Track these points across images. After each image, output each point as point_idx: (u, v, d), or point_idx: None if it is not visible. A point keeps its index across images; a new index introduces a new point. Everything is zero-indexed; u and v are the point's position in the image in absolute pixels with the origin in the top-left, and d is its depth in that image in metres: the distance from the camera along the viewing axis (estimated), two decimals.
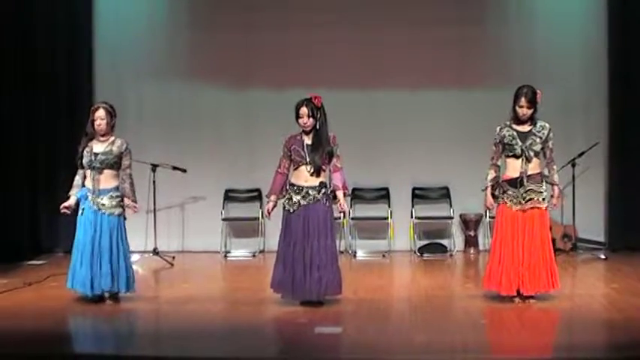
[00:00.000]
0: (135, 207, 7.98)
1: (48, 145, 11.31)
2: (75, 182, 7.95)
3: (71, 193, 7.93)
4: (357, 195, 11.33)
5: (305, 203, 7.56)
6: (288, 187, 7.67)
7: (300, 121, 7.60)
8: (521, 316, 7.35)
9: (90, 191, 7.79)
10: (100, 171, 7.79)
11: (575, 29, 11.47)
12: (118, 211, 7.85)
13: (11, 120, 10.83)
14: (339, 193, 7.69)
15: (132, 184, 7.96)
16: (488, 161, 7.79)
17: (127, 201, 7.90)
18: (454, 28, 11.37)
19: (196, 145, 11.51)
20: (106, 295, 7.86)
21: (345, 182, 7.72)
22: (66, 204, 7.91)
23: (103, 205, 7.78)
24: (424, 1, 11.38)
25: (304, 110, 7.56)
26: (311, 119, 7.57)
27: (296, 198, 7.58)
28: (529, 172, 7.60)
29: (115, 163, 7.86)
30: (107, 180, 7.83)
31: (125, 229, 7.97)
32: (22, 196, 11.06)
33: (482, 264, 10.19)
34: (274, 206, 7.73)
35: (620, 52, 11.18)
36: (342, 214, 8.19)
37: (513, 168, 7.66)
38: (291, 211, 7.59)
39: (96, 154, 7.78)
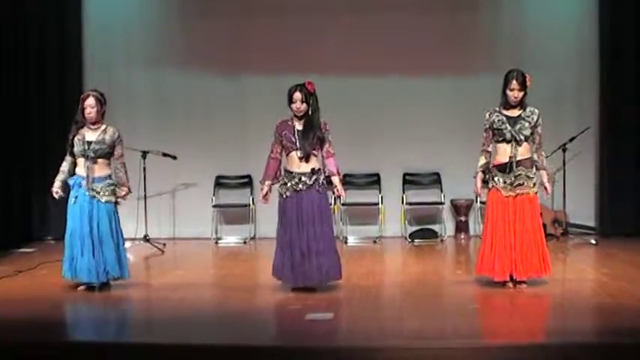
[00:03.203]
0: (126, 193, 7.96)
1: (40, 132, 11.31)
2: (62, 168, 7.90)
3: (57, 178, 7.88)
4: (348, 181, 11.31)
5: (298, 189, 7.54)
6: (282, 174, 7.66)
7: (293, 106, 7.57)
8: (513, 301, 7.37)
9: (84, 179, 7.76)
10: (94, 160, 7.76)
11: (567, 15, 11.48)
12: (112, 198, 7.84)
13: (2, 108, 10.79)
14: (335, 179, 7.68)
15: (126, 173, 7.95)
16: (480, 147, 7.78)
17: (124, 189, 7.88)
18: (446, 15, 11.40)
19: (187, 132, 11.51)
20: (96, 283, 7.84)
21: (338, 168, 7.72)
22: (54, 189, 7.87)
23: (99, 192, 7.76)
24: None
25: (297, 95, 7.54)
26: (304, 105, 7.55)
27: (289, 184, 7.57)
28: (519, 157, 7.60)
29: (108, 153, 7.83)
30: (101, 168, 7.81)
31: (118, 216, 7.96)
32: (13, 184, 11.04)
33: (473, 249, 10.22)
34: (268, 191, 7.71)
35: (612, 38, 11.19)
36: (337, 199, 8.16)
37: (503, 153, 7.65)
38: (285, 197, 7.58)
39: (89, 143, 7.74)
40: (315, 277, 7.55)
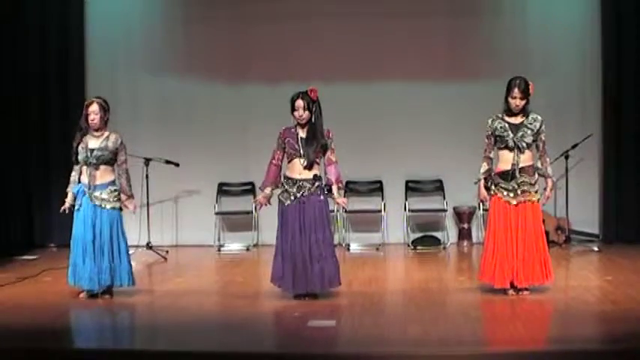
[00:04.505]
0: (133, 205, 7.98)
1: (41, 139, 11.34)
2: (72, 178, 7.93)
3: (68, 189, 7.92)
4: (350, 188, 11.33)
5: (300, 196, 7.55)
6: (282, 180, 7.67)
7: (296, 113, 7.58)
8: (515, 309, 7.36)
9: (86, 187, 7.77)
10: (96, 167, 7.77)
11: (569, 21, 11.49)
12: (117, 204, 7.84)
13: (4, 114, 10.81)
14: (334, 188, 7.68)
15: (128, 180, 7.94)
16: (482, 154, 7.77)
17: (123, 197, 7.89)
18: (448, 20, 11.41)
19: (190, 139, 11.51)
20: (96, 290, 7.84)
21: (339, 176, 7.71)
22: (66, 205, 7.88)
23: (103, 199, 7.76)
24: None
25: (300, 103, 7.55)
26: (306, 112, 7.55)
27: (291, 191, 7.57)
28: (521, 165, 7.59)
29: (111, 159, 7.83)
30: (103, 175, 7.81)
31: (123, 223, 7.96)
32: (15, 191, 11.04)
33: (476, 256, 10.20)
34: (269, 197, 7.72)
35: (614, 44, 11.18)
36: (338, 207, 8.14)
37: (505, 160, 7.64)
38: (287, 204, 7.58)
39: (91, 150, 7.75)
40: (317, 283, 7.55)
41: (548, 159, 7.74)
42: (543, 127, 7.63)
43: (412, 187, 11.56)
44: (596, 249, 10.62)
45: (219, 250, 11.28)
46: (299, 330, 6.66)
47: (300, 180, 7.57)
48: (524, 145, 7.56)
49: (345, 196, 11.01)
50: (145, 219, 10.74)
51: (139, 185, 10.19)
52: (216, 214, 11.51)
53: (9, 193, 10.93)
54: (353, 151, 10.64)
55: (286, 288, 7.65)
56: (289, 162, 7.64)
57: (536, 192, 7.64)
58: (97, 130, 7.81)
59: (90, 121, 7.79)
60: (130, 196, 7.97)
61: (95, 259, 7.75)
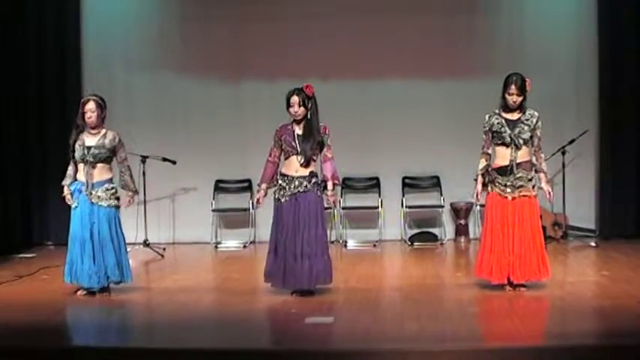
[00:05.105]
0: (127, 202, 7.99)
1: (39, 137, 11.31)
2: (68, 172, 7.92)
3: (64, 182, 7.90)
4: (347, 184, 11.33)
5: (295, 193, 7.55)
6: (278, 177, 7.67)
7: (291, 110, 7.58)
8: (513, 304, 7.36)
9: (84, 185, 7.76)
10: (93, 165, 7.76)
11: (565, 19, 11.49)
12: (113, 202, 7.85)
13: (2, 112, 10.80)
14: (329, 184, 7.68)
15: (131, 176, 8.00)
16: (479, 150, 7.77)
17: (129, 193, 7.92)
18: (445, 18, 11.40)
19: (187, 136, 11.51)
20: (96, 288, 7.84)
21: (335, 172, 7.70)
22: (66, 196, 7.87)
23: (99, 197, 7.76)
24: None
25: (295, 99, 7.54)
26: (302, 108, 7.55)
27: (287, 188, 7.57)
28: (518, 160, 7.58)
29: (108, 157, 7.84)
30: (101, 173, 7.81)
31: (120, 220, 7.97)
32: (12, 189, 11.03)
33: (473, 252, 10.22)
34: (265, 195, 7.72)
35: (610, 41, 11.19)
36: (332, 205, 8.14)
37: (503, 156, 7.64)
38: (282, 200, 7.59)
39: (88, 148, 7.74)
40: (304, 279, 7.53)
41: (542, 155, 7.73)
42: (539, 123, 7.63)
43: (409, 184, 11.56)
44: (593, 244, 10.63)
45: (216, 248, 11.28)
46: (296, 327, 6.66)
47: (296, 177, 7.57)
48: (521, 141, 7.57)
49: (342, 193, 11.15)
50: (142, 216, 10.74)
51: (136, 183, 10.17)
52: (213, 211, 11.51)
53: (7, 191, 10.91)
54: (350, 147, 10.65)
55: (277, 285, 7.66)
56: (286, 159, 7.65)
57: (533, 187, 7.64)
58: (93, 128, 7.81)
59: (86, 119, 7.78)
60: (135, 192, 8.02)
61: (95, 257, 7.75)
